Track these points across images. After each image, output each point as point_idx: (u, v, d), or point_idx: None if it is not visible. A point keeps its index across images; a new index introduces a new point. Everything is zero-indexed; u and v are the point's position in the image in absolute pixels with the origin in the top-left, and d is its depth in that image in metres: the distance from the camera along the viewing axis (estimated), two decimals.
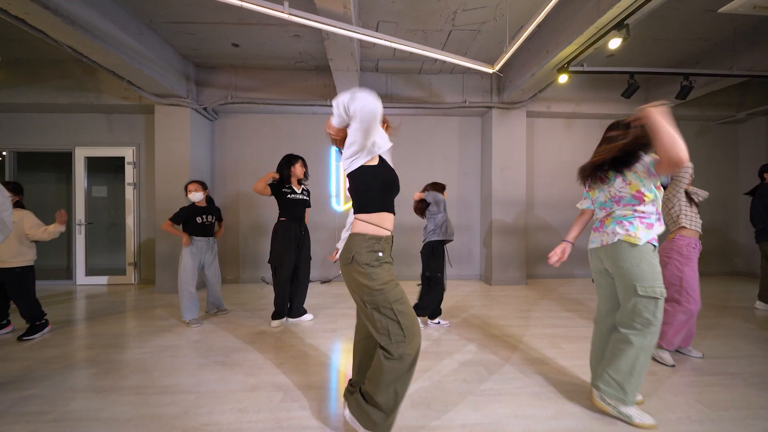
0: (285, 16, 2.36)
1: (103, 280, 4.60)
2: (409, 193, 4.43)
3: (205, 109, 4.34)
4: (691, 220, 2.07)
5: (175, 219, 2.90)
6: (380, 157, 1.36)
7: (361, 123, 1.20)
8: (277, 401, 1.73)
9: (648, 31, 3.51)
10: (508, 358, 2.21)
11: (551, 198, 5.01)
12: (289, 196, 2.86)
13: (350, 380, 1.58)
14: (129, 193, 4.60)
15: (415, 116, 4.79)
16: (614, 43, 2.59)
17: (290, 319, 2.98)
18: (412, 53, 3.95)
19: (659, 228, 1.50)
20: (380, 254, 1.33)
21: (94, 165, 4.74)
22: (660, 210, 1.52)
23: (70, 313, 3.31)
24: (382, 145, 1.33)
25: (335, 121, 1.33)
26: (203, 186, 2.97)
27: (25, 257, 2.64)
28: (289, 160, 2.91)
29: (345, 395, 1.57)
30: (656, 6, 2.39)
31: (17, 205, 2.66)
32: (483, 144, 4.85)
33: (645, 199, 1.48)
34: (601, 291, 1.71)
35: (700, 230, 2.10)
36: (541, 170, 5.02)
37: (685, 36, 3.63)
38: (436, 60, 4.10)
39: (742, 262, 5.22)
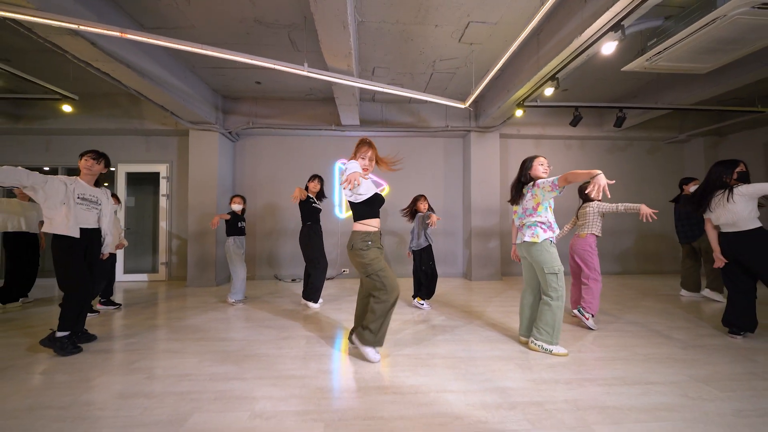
0: (305, 73, 3.21)
1: (139, 277, 5.35)
2: (403, 202, 5.25)
3: (229, 132, 5.19)
4: (599, 229, 2.98)
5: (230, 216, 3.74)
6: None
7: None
8: (304, 344, 2.50)
9: (595, 73, 4.38)
10: (468, 323, 2.98)
11: None
12: (314, 204, 3.70)
13: (352, 328, 2.36)
14: (163, 202, 5.39)
15: (406, 138, 5.65)
16: (548, 91, 3.45)
17: (303, 300, 3.72)
18: (402, 87, 4.84)
19: (553, 232, 2.31)
20: (369, 242, 2.15)
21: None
22: (552, 219, 2.33)
23: (134, 299, 4.05)
24: (368, 192, 2.17)
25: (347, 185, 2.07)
26: (243, 200, 3.89)
27: None
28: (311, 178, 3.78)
29: (350, 335, 2.36)
30: (578, 65, 3.25)
31: None
32: (464, 161, 5.69)
33: (538, 209, 2.29)
34: (524, 270, 2.52)
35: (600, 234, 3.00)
36: None
37: (622, 77, 4.51)
38: (422, 92, 4.98)
39: None
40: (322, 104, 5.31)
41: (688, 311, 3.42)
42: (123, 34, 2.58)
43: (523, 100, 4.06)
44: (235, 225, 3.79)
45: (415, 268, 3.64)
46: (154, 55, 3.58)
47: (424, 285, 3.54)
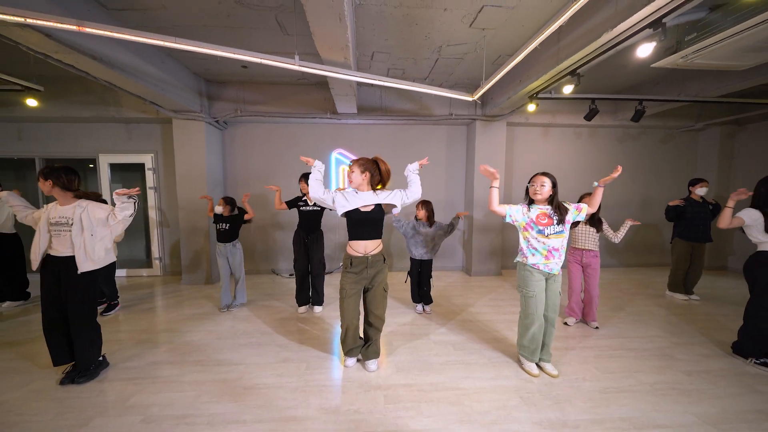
0: (296, 68, 2.84)
1: (135, 272, 5.23)
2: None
3: (216, 120, 4.79)
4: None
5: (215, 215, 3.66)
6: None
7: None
8: (304, 369, 2.44)
9: (613, 59, 3.97)
10: (471, 338, 2.94)
11: None
12: (302, 208, 3.47)
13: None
14: (151, 196, 5.13)
15: (406, 125, 5.28)
16: (567, 89, 3.10)
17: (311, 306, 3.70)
18: (404, 72, 4.41)
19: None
20: (347, 267, 2.21)
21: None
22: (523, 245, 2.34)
23: (129, 302, 3.92)
24: (347, 204, 2.20)
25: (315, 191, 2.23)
26: (228, 203, 3.59)
27: None
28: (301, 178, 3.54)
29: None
30: (603, 59, 2.90)
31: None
32: (468, 151, 5.38)
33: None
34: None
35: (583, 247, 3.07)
36: (520, 173, 5.60)
37: (645, 64, 4.10)
38: (425, 78, 4.56)
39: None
40: (316, 89, 4.87)
41: (682, 318, 3.40)
42: (80, 28, 2.20)
43: (536, 93, 3.70)
44: (216, 228, 3.64)
45: (413, 271, 3.55)
46: (123, 41, 3.14)
47: (424, 294, 3.48)
